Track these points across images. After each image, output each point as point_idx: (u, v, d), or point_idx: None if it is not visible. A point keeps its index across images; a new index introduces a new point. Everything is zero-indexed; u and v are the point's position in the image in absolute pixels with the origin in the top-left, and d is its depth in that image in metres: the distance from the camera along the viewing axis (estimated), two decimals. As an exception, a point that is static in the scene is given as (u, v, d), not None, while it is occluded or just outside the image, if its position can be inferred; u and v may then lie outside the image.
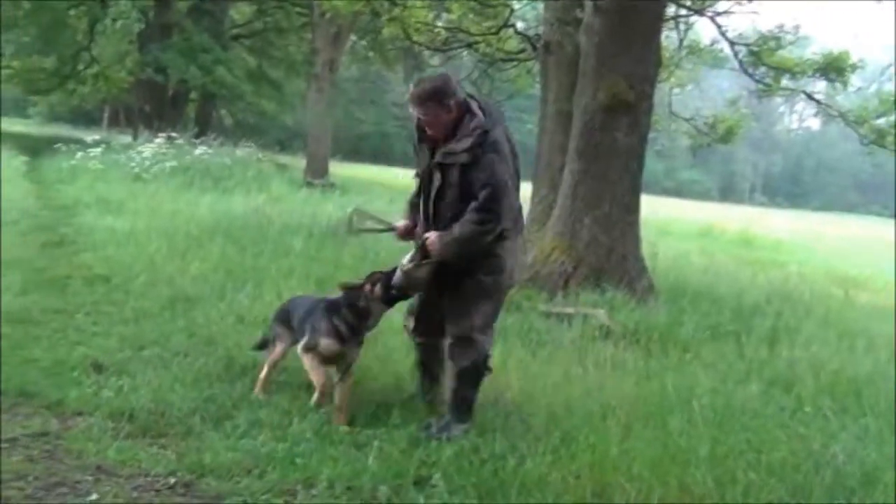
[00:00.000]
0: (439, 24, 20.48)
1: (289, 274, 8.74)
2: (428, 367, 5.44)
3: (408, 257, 5.02)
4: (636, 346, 7.60)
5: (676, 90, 22.10)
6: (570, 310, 8.59)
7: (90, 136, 23.66)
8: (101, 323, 6.75)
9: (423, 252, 4.96)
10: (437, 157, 4.95)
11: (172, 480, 4.12)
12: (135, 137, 31.10)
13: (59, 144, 22.38)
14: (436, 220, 5.02)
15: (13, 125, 42.60)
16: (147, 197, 14.88)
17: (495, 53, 19.59)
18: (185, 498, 4.00)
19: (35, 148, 25.83)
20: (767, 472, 4.65)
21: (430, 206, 5.04)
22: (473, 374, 5.08)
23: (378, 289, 5.05)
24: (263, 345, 5.69)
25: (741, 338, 8.18)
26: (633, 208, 10.14)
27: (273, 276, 8.58)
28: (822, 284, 14.68)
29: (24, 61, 32.80)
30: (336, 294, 5.28)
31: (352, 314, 5.08)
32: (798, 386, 6.61)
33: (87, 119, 48.48)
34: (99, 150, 20.32)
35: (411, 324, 5.42)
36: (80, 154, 19.96)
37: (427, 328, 5.30)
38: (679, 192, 66.20)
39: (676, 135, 24.72)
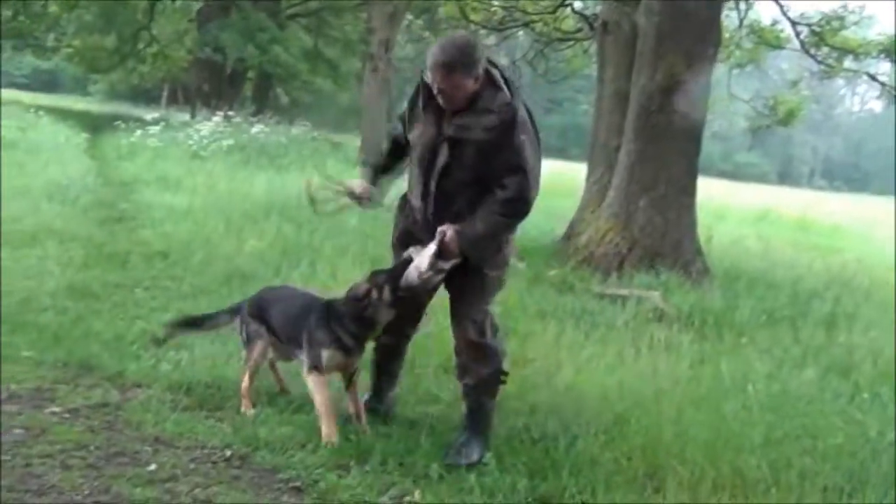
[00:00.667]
0: (496, 3, 20.39)
1: (343, 252, 8.80)
2: (387, 368, 4.91)
3: (421, 255, 4.25)
4: (690, 330, 7.53)
5: (736, 71, 21.78)
6: (623, 291, 8.55)
7: (149, 114, 24.03)
8: (160, 298, 6.87)
9: (441, 250, 4.21)
10: (449, 130, 4.18)
11: (228, 453, 4.19)
12: (193, 115, 31.54)
13: (119, 122, 22.74)
14: (436, 201, 4.31)
15: (75, 103, 43.42)
16: (204, 174, 15.05)
17: (552, 33, 19.48)
18: (241, 470, 4.06)
19: (96, 125, 26.25)
20: (823, 458, 4.60)
21: (430, 182, 4.30)
22: (493, 383, 4.53)
23: (385, 292, 4.36)
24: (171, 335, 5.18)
25: (797, 323, 8.07)
26: (690, 190, 10.04)
27: (328, 254, 8.65)
28: (880, 270, 14.39)
29: (86, 40, 33.29)
30: (324, 293, 4.86)
31: (356, 324, 4.42)
32: (855, 372, 6.52)
33: (146, 97, 49.08)
34: (158, 127, 20.61)
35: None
36: (139, 132, 20.25)
37: (393, 327, 4.60)
38: (736, 175, 65.24)
39: (734, 116, 24.40)
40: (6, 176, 11.74)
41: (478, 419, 4.51)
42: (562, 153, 51.48)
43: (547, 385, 5.49)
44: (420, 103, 4.32)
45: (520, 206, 4.21)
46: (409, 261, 4.28)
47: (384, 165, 4.72)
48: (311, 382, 4.44)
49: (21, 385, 4.74)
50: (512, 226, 4.35)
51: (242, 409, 4.70)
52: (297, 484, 3.97)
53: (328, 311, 4.51)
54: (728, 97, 20.84)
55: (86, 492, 3.64)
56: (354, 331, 4.44)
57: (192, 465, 4.03)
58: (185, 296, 6.93)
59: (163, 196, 12.39)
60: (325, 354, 4.42)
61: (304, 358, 4.52)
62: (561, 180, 23.59)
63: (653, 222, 9.77)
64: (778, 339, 7.48)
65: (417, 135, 4.34)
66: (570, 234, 10.92)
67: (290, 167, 17.69)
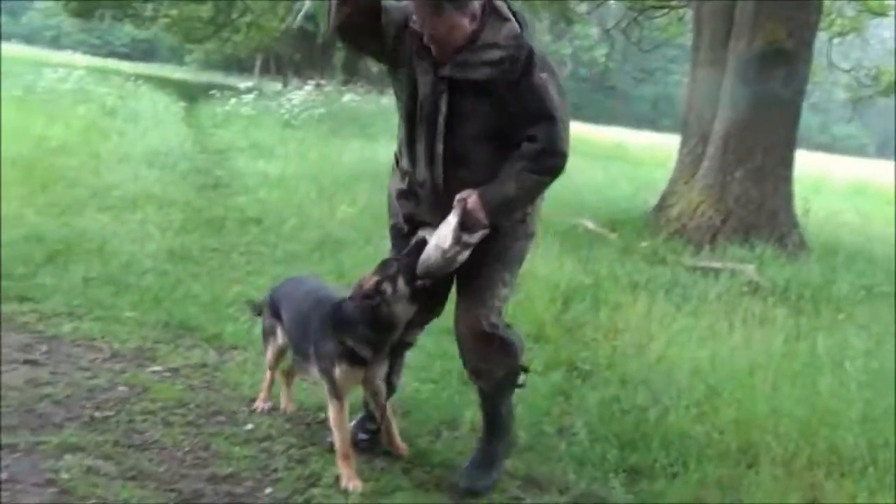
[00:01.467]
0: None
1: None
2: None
3: (439, 231, 3.40)
4: (786, 304, 7.37)
5: (837, 40, 21.10)
6: (717, 264, 8.42)
7: (243, 84, 24.40)
8: (254, 263, 7.02)
9: (464, 221, 3.37)
10: (445, 70, 3.37)
11: (322, 416, 4.26)
12: (285, 85, 31.92)
13: (214, 91, 23.13)
14: (447, 166, 3.47)
15: (172, 72, 44.36)
16: (296, 143, 15.25)
17: (646, 0, 19.11)
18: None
19: (191, 94, 26.75)
20: (922, 438, 4.48)
21: (436, 144, 3.45)
22: (510, 384, 3.79)
23: (401, 284, 3.49)
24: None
25: (897, 299, 7.85)
26: (787, 162, 9.82)
27: (418, 222, 8.69)
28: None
29: (182, 10, 33.85)
30: (335, 290, 4.12)
31: (370, 327, 3.54)
32: (957, 350, 6.32)
33: (239, 67, 49.79)
34: (251, 96, 20.92)
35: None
36: (233, 100, 20.58)
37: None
38: (833, 147, 63.34)
39: (833, 87, 23.69)
40: (108, 143, 12.07)
41: (496, 426, 3.82)
42: (653, 124, 50.73)
43: (637, 357, 5.45)
44: (406, 51, 3.46)
45: (554, 159, 3.41)
46: (423, 243, 3.45)
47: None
48: (331, 411, 3.61)
49: (124, 344, 4.90)
50: (546, 185, 3.49)
51: (256, 406, 4.24)
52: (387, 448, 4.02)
53: (335, 315, 3.65)
54: (828, 67, 20.21)
55: (186, 448, 3.75)
56: (369, 336, 3.55)
57: (287, 426, 4.12)
58: (279, 261, 7.06)
59: (256, 164, 12.60)
60: (337, 372, 3.57)
61: (317, 375, 3.74)
62: (652, 151, 23.26)
63: (748, 194, 9.59)
64: (877, 315, 7.28)
65: (410, 91, 3.48)
66: (661, 206, 10.78)
67: (380, 136, 17.79)
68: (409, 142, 3.55)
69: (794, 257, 9.06)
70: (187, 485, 3.41)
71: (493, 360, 3.64)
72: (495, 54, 3.32)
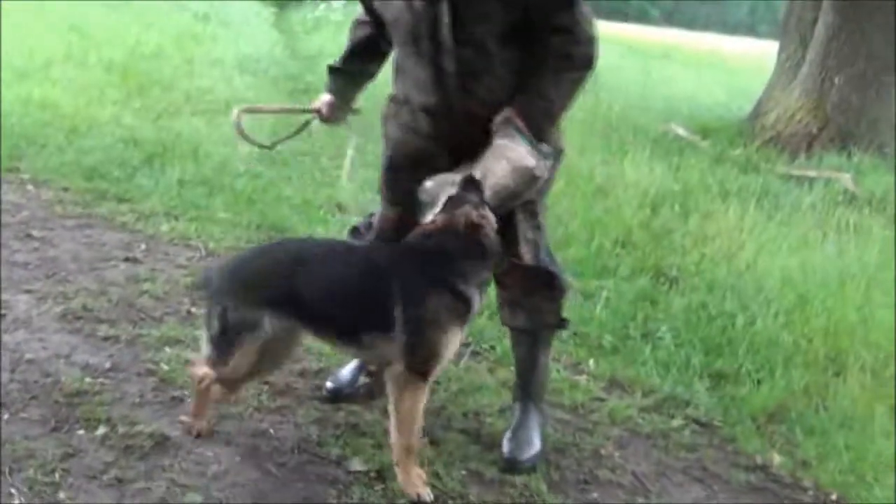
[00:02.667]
0: None
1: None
2: None
3: (506, 156, 2.81)
4: (882, 214, 7.18)
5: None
6: (812, 173, 8.23)
7: (333, -12, 24.21)
8: (343, 168, 7.08)
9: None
10: None
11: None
12: (374, -10, 31.51)
13: (304, -4, 23.06)
14: (461, 82, 2.90)
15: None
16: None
17: None
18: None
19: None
20: None
21: (443, 57, 2.88)
22: (551, 326, 3.28)
23: (489, 212, 2.80)
24: None
25: None
26: (891, 68, 9.42)
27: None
28: None
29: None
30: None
31: (481, 265, 2.82)
32: None
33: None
34: (341, 2, 20.79)
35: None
36: (322, 6, 20.47)
37: None
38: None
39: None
40: (200, 48, 12.22)
41: (534, 382, 3.32)
42: (750, 30, 49.09)
43: (727, 264, 5.40)
44: None
45: (585, 48, 2.88)
46: (472, 178, 2.80)
47: (348, 70, 3.44)
48: (415, 398, 2.80)
49: (218, 244, 5.04)
50: (584, 81, 2.94)
51: (193, 429, 3.06)
52: (474, 348, 4.09)
53: (430, 262, 2.78)
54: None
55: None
56: (481, 276, 2.85)
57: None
58: (368, 165, 7.08)
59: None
60: (448, 334, 2.76)
61: (394, 356, 2.78)
62: (748, 58, 22.58)
63: (848, 100, 9.28)
64: (979, 227, 7.06)
65: (401, 4, 2.94)
66: (757, 113, 10.50)
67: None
68: (411, 65, 3.00)
69: (893, 167, 8.77)
70: (280, 378, 3.52)
71: (536, 294, 3.18)
72: None
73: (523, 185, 2.83)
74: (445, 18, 2.84)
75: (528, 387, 3.32)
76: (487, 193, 2.79)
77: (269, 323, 2.83)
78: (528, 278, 3.14)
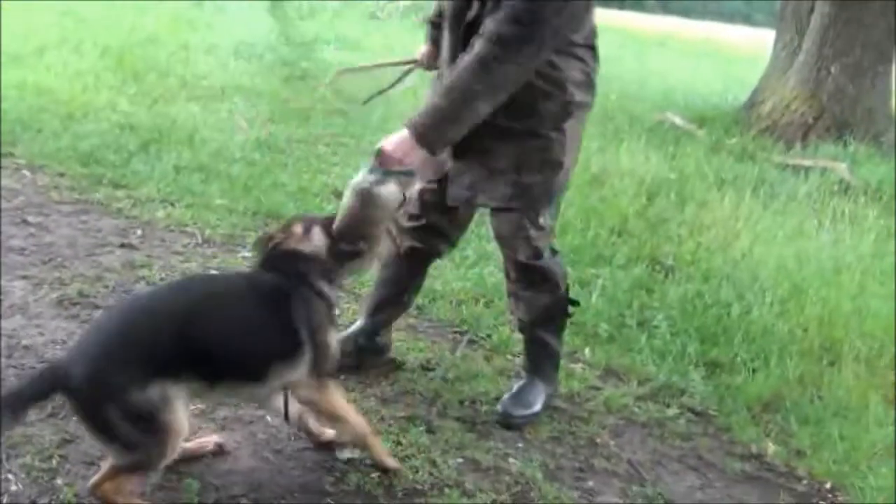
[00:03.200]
0: None
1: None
2: (403, 285, 3.60)
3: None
4: (877, 204, 7.18)
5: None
6: (807, 162, 8.23)
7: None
8: (340, 154, 7.08)
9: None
10: None
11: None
12: (370, -24, 31.49)
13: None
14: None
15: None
16: (381, 35, 15.15)
17: None
18: (418, 320, 4.22)
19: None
20: None
21: (458, 45, 2.94)
22: (555, 315, 3.45)
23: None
24: None
25: None
26: (887, 57, 9.43)
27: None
28: None
29: None
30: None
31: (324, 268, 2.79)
32: None
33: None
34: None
35: (403, 216, 3.28)
36: (318, -8, 20.45)
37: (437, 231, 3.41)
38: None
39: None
40: (196, 34, 12.17)
41: (539, 359, 3.49)
42: (746, 19, 49.02)
43: (722, 253, 5.42)
44: None
45: (513, 26, 2.71)
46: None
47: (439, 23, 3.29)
48: (335, 401, 2.78)
49: (215, 230, 5.03)
50: (492, 64, 2.73)
51: None
52: (471, 336, 4.10)
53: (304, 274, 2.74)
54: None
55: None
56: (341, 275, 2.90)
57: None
58: (365, 152, 7.07)
59: (342, 56, 12.57)
60: (333, 339, 2.77)
61: (301, 376, 2.68)
62: (744, 46, 22.56)
63: (844, 90, 9.27)
64: (974, 216, 7.08)
65: None
66: (752, 102, 10.49)
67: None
68: (446, 42, 3.09)
69: (888, 157, 8.78)
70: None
71: (533, 288, 3.31)
72: None
73: (368, 206, 2.77)
74: (470, 15, 2.88)
75: (534, 363, 3.49)
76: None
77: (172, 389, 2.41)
78: (522, 273, 3.30)
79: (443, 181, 3.19)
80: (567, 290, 3.42)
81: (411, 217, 3.35)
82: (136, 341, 2.43)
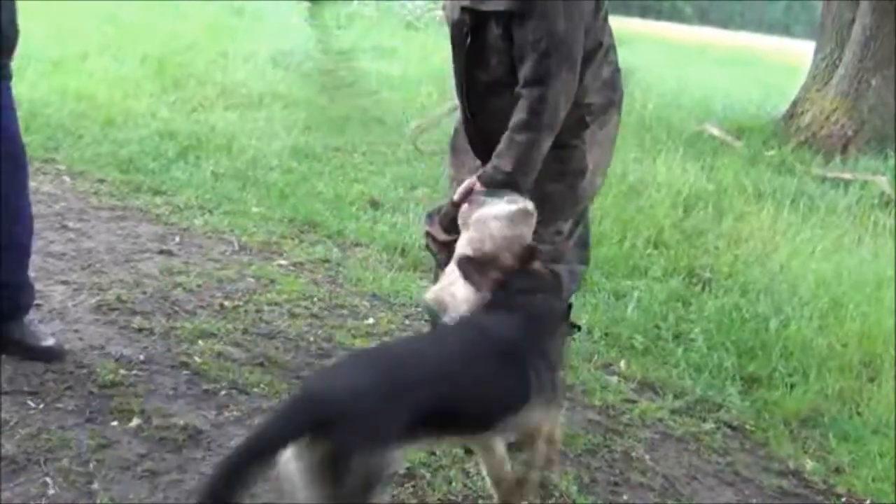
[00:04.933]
0: None
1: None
2: None
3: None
4: (919, 218, 7.11)
5: None
6: (847, 175, 8.14)
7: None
8: (377, 163, 7.11)
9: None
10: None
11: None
12: (407, -15, 31.63)
13: (338, -9, 23.12)
14: (471, 102, 3.05)
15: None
16: (417, 44, 15.19)
17: None
18: (452, 329, 4.22)
19: (314, -6, 26.81)
20: None
21: (462, 77, 3.03)
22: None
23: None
24: None
25: None
26: (929, 69, 9.32)
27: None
28: None
29: None
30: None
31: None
32: None
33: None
34: (374, -2, 20.86)
35: (439, 231, 3.10)
36: (356, 2, 20.56)
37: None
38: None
39: None
40: (234, 42, 12.27)
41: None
42: (785, 30, 48.69)
43: (760, 266, 5.37)
44: None
45: (554, 112, 2.80)
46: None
47: None
48: (556, 426, 2.64)
49: (251, 238, 5.06)
50: (541, 144, 2.83)
51: None
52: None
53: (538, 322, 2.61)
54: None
55: (310, 339, 3.88)
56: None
57: (406, 322, 4.23)
58: (401, 161, 7.13)
59: (378, 64, 12.64)
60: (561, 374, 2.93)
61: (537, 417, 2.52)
62: (783, 58, 22.38)
63: (885, 102, 9.17)
64: None
65: (448, 7, 3.08)
66: (791, 114, 10.39)
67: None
68: (453, 67, 3.11)
69: (930, 170, 8.67)
70: (311, 373, 3.54)
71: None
72: None
73: (528, 223, 2.69)
74: (467, 41, 2.92)
75: None
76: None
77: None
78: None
79: None
80: (569, 308, 3.26)
81: (447, 230, 3.34)
82: (401, 397, 2.16)
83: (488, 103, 3.00)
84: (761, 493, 3.22)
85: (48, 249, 4.47)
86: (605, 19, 3.00)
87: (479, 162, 3.06)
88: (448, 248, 3.27)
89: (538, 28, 2.75)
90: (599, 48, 2.98)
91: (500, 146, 2.83)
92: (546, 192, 2.95)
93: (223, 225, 5.20)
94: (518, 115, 2.79)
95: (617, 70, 3.09)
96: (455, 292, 2.59)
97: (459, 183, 3.16)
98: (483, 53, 2.91)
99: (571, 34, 2.78)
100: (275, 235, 5.14)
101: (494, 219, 2.65)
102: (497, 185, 2.79)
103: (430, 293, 2.66)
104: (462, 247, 2.66)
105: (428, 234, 3.19)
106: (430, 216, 3.32)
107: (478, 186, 2.82)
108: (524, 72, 2.79)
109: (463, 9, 2.92)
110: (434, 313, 2.72)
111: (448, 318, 2.56)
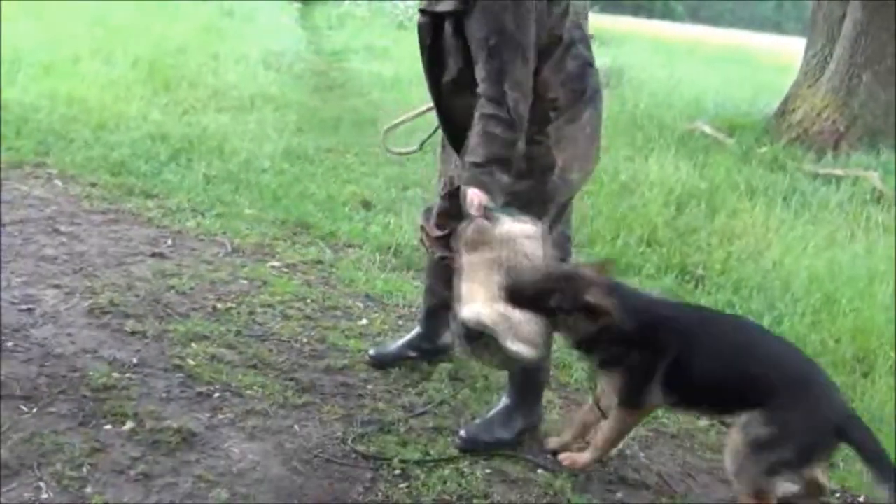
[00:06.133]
0: None
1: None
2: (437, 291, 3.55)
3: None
4: (911, 214, 7.12)
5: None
6: (839, 171, 8.14)
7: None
8: (369, 163, 7.10)
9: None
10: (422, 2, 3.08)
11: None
12: (398, -15, 31.60)
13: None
14: (439, 102, 3.17)
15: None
16: (409, 44, 15.12)
17: None
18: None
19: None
20: None
21: (428, 78, 3.14)
22: None
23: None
24: None
25: None
26: (920, 64, 9.33)
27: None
28: None
29: None
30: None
31: None
32: None
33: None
34: (365, -1, 20.86)
35: (433, 227, 3.40)
36: (347, 2, 20.57)
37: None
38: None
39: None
40: (226, 44, 12.26)
41: (523, 383, 3.31)
42: (777, 27, 48.78)
43: (753, 263, 5.38)
44: None
45: (496, 113, 2.84)
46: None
47: None
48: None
49: (244, 240, 5.06)
50: (509, 131, 2.86)
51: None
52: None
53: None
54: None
55: (304, 340, 3.88)
56: None
57: (400, 322, 4.22)
58: (393, 162, 7.11)
59: (370, 65, 12.64)
60: None
61: None
62: (774, 55, 22.43)
63: (876, 98, 9.18)
64: None
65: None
66: (783, 110, 10.41)
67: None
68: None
69: (922, 165, 8.69)
70: (304, 374, 3.54)
71: None
72: None
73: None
74: (427, 41, 3.05)
75: (517, 387, 3.30)
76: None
77: None
78: None
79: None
80: None
81: (438, 227, 3.38)
82: None
83: (452, 102, 3.08)
84: (756, 489, 3.21)
85: (40, 253, 4.47)
86: (565, 14, 3.00)
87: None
88: (440, 243, 3.31)
89: (486, 26, 2.83)
90: (559, 42, 2.98)
91: (469, 143, 2.90)
92: (514, 191, 2.94)
93: (215, 227, 5.19)
94: (479, 110, 2.86)
95: (588, 65, 3.09)
96: (509, 314, 2.66)
97: (447, 177, 3.23)
98: (441, 54, 3.02)
99: (521, 29, 2.83)
100: (267, 237, 5.14)
101: (526, 238, 2.76)
102: (478, 183, 2.83)
103: (477, 314, 2.67)
104: (489, 265, 2.72)
105: (422, 228, 3.39)
106: (427, 211, 3.40)
107: (482, 197, 2.82)
108: (478, 69, 2.87)
109: (422, 11, 3.05)
110: (472, 331, 2.72)
111: (508, 341, 2.62)
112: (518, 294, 2.69)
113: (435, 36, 3.01)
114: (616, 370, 2.89)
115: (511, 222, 2.77)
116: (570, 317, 2.77)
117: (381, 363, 3.69)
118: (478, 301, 2.68)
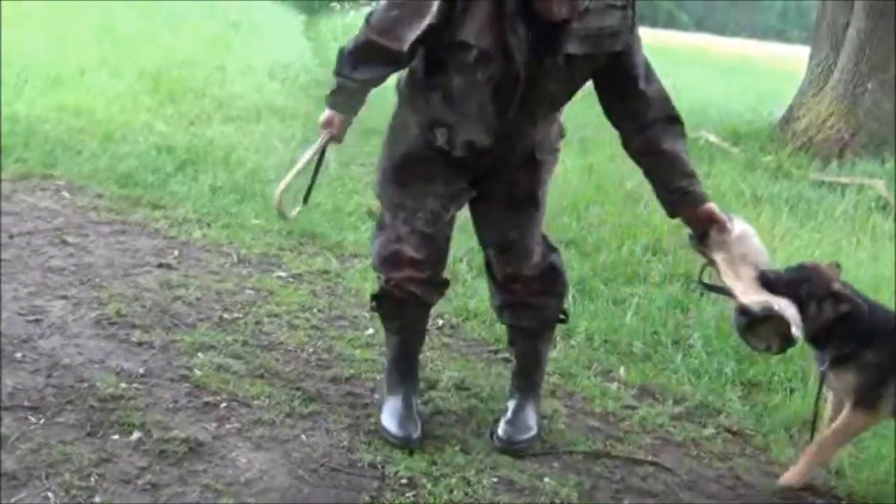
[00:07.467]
0: None
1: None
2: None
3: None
4: (917, 222, 7.12)
5: None
6: (844, 179, 8.16)
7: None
8: (374, 174, 7.08)
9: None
10: (570, 45, 2.82)
11: (440, 322, 4.37)
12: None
13: (335, 4, 23.21)
14: (516, 132, 3.05)
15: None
16: (414, 55, 15.26)
17: None
18: (452, 339, 4.24)
19: (311, 7, 26.90)
20: None
21: (508, 113, 2.95)
22: (554, 320, 3.42)
23: None
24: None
25: None
26: (925, 73, 9.34)
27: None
28: None
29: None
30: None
31: None
32: None
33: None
34: (370, 8, 20.92)
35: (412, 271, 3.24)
36: (352, 13, 20.65)
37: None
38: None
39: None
40: (231, 56, 12.31)
41: (534, 376, 3.44)
42: (780, 35, 48.84)
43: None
44: (495, 8, 2.77)
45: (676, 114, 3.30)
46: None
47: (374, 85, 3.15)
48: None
49: (250, 250, 5.08)
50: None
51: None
52: (506, 355, 4.09)
53: None
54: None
55: (310, 350, 3.89)
56: None
57: (406, 331, 4.22)
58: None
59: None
60: None
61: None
62: (778, 63, 22.43)
63: (881, 106, 9.19)
64: None
65: (492, 55, 2.82)
66: (788, 118, 10.43)
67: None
68: (468, 97, 2.97)
69: (927, 173, 8.69)
70: (311, 384, 3.55)
71: (546, 292, 3.30)
72: (617, 19, 2.88)
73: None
74: (549, 81, 2.91)
75: (530, 379, 3.42)
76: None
77: None
78: (540, 276, 3.27)
79: None
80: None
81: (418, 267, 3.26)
82: None
83: (522, 127, 3.05)
84: (762, 497, 3.21)
85: (48, 265, 4.48)
86: None
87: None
88: (424, 286, 3.26)
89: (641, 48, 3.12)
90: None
91: (678, 165, 3.48)
92: (545, 164, 3.29)
93: (222, 238, 5.21)
94: (667, 131, 3.37)
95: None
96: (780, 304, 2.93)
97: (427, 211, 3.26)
98: (545, 89, 2.96)
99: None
100: (273, 247, 5.16)
101: (753, 235, 3.13)
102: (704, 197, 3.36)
103: (763, 302, 2.92)
104: (737, 261, 3.03)
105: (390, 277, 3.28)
106: (393, 255, 3.29)
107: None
108: (638, 95, 3.18)
109: (546, 53, 2.83)
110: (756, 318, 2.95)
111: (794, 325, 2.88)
112: (776, 283, 2.98)
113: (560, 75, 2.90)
114: (850, 368, 3.07)
115: (741, 222, 3.14)
116: (817, 304, 3.04)
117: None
118: (749, 292, 2.95)
